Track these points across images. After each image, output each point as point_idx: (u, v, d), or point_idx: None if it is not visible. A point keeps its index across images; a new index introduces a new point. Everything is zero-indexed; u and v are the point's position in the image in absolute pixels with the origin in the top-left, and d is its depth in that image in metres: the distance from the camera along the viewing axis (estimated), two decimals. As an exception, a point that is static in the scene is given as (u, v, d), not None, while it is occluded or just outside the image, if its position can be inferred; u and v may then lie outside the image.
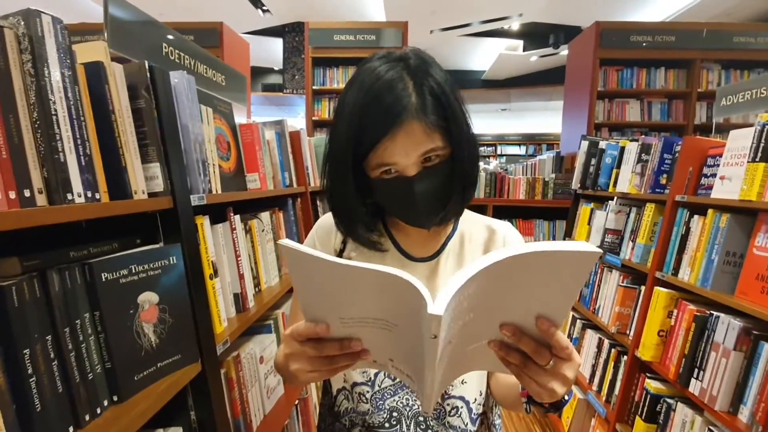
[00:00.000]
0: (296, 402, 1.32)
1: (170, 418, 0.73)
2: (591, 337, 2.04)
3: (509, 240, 0.72)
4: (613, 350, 1.85)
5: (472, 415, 0.68)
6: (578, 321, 2.22)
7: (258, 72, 8.13)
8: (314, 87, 3.92)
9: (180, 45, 1.22)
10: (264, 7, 5.97)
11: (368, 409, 0.67)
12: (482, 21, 6.17)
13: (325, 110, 3.99)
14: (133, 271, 0.64)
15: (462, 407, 0.67)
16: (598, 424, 1.91)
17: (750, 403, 1.12)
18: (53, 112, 0.53)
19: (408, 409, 0.67)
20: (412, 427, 0.66)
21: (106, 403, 0.59)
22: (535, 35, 6.73)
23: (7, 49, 0.50)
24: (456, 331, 0.43)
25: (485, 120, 10.69)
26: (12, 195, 0.48)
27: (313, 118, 3.96)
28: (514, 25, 6.47)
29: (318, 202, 2.01)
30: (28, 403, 0.48)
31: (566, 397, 0.49)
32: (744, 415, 1.14)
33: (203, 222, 0.85)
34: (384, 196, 0.62)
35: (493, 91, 8.93)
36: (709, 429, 1.28)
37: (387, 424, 0.66)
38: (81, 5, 5.41)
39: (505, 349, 0.45)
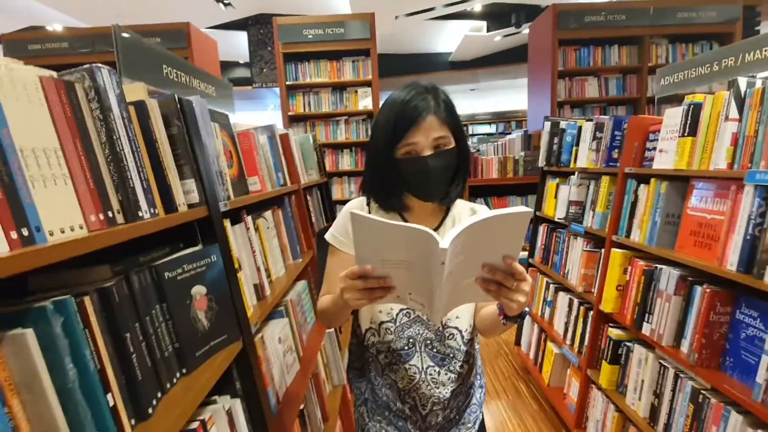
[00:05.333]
0: (310, 376, 1.49)
1: (221, 389, 0.89)
2: (563, 299, 2.29)
3: None
4: (581, 307, 2.10)
5: (464, 339, 0.97)
6: (551, 285, 2.46)
7: (224, 67, 8.00)
8: (288, 82, 3.98)
9: (175, 64, 1.33)
10: (226, 1, 5.89)
11: (392, 339, 0.95)
12: (445, 4, 6.29)
13: (300, 105, 4.06)
14: (186, 269, 0.78)
15: (457, 333, 0.96)
16: (572, 372, 2.17)
17: (689, 337, 1.37)
18: (120, 148, 0.67)
19: (420, 336, 0.95)
20: (423, 348, 0.95)
21: (178, 374, 0.74)
22: (498, 15, 6.90)
23: (79, 100, 0.62)
24: (454, 266, 0.64)
25: (455, 101, 10.82)
26: (101, 216, 0.62)
27: (289, 113, 4.04)
28: (477, 6, 6.62)
29: (308, 197, 2.15)
30: (131, 374, 0.63)
31: (526, 310, 0.76)
32: (684, 347, 1.39)
33: (227, 225, 0.99)
34: (405, 172, 0.87)
35: (461, 72, 9.10)
36: (659, 362, 1.53)
37: (406, 347, 0.95)
38: (25, 8, 5.21)
39: (486, 282, 0.69)
